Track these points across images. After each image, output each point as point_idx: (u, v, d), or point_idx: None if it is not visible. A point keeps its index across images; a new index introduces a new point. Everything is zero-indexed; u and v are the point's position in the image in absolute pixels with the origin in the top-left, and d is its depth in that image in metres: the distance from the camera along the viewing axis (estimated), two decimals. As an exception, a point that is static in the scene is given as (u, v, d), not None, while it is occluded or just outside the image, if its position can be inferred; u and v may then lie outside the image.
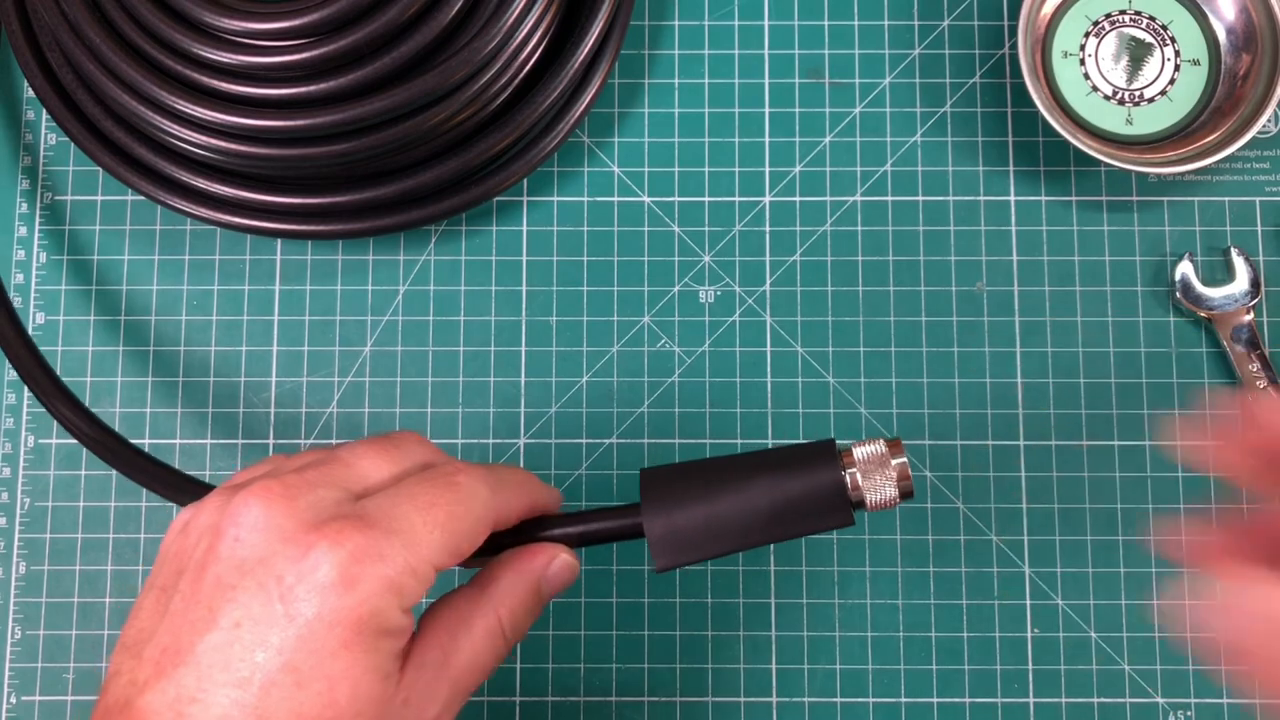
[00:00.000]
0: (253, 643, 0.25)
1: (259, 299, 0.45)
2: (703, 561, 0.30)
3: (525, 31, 0.41)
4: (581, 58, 0.43)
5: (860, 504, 0.31)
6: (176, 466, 0.40)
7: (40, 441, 0.44)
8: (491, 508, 0.29)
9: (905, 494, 0.31)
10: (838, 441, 0.32)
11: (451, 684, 0.28)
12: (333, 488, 0.28)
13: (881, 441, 0.31)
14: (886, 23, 0.46)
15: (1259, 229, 0.44)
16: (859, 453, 0.31)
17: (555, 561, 0.30)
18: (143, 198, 0.44)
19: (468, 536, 0.28)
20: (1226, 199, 0.45)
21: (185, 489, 0.38)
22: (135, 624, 0.28)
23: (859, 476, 0.31)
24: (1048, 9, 0.44)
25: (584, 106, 0.44)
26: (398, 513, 0.27)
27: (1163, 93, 0.44)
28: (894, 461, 0.31)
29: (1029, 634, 0.42)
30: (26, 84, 0.45)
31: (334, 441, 0.44)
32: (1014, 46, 0.44)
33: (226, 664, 0.25)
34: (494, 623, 0.29)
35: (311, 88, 0.39)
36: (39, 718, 0.42)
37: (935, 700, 0.42)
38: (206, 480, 0.40)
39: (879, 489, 0.31)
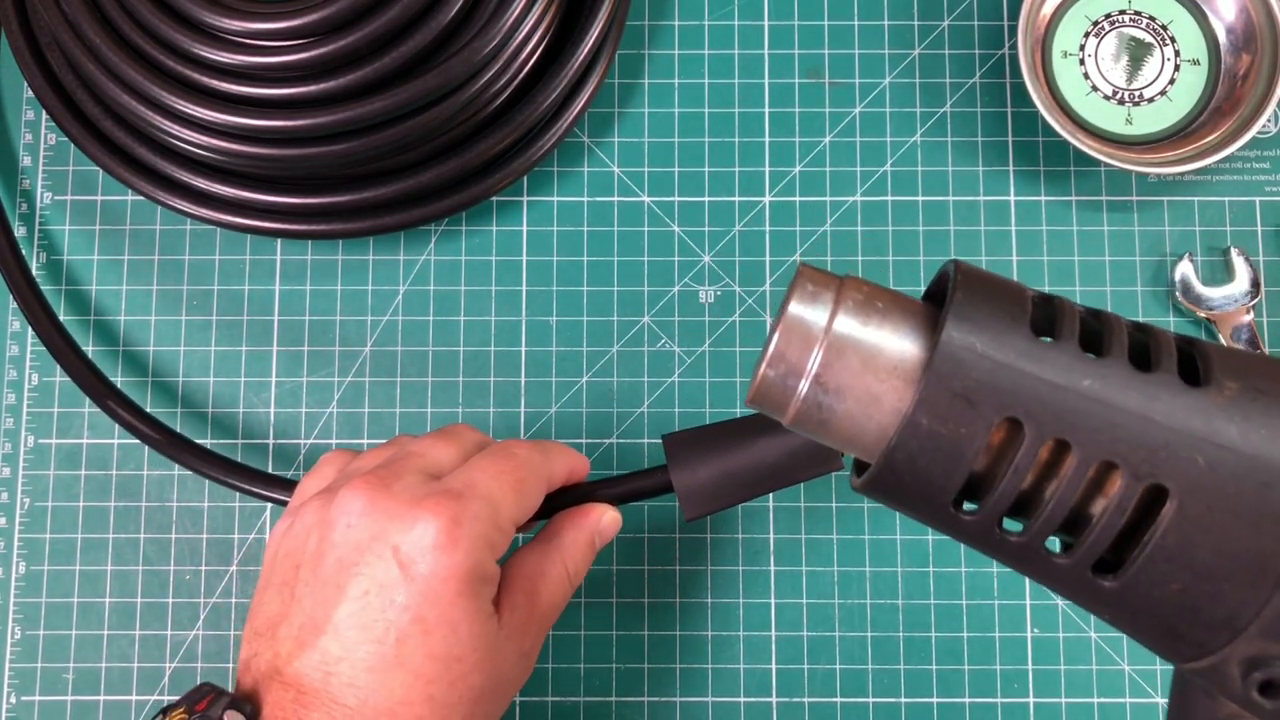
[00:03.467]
0: (382, 605, 0.30)
1: (259, 299, 0.45)
2: (724, 509, 0.35)
3: (525, 31, 0.41)
4: (581, 57, 0.43)
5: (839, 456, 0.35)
6: (176, 466, 0.40)
7: (40, 441, 0.44)
8: (546, 471, 0.35)
9: None
10: None
11: (538, 620, 0.33)
12: (416, 473, 0.33)
13: None
14: (886, 23, 0.46)
15: (1259, 229, 0.44)
16: None
17: (605, 517, 0.36)
18: (143, 198, 0.44)
19: (532, 495, 0.34)
20: (1226, 199, 0.45)
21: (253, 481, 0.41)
22: (261, 614, 0.32)
23: None
24: (1047, 9, 0.44)
25: (582, 104, 0.44)
26: (476, 483, 0.32)
27: (1162, 93, 0.44)
28: None
29: (1029, 634, 0.42)
30: (26, 84, 0.45)
31: (334, 442, 0.44)
32: (1014, 46, 0.44)
33: (363, 626, 0.30)
34: (562, 568, 0.34)
35: (312, 88, 0.39)
36: (39, 718, 0.42)
37: (935, 700, 0.42)
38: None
39: None
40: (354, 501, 0.31)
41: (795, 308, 0.22)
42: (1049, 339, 0.21)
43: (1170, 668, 0.42)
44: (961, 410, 0.20)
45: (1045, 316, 0.22)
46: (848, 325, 0.22)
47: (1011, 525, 0.22)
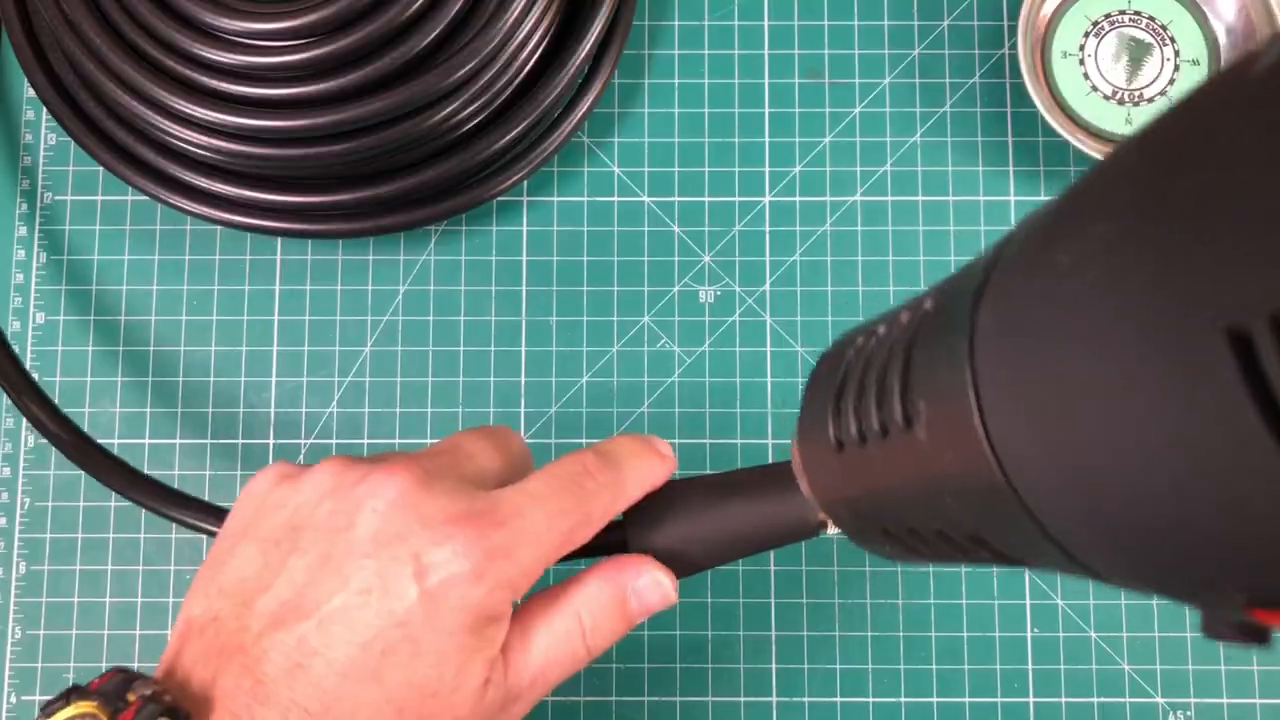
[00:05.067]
0: (381, 610, 0.27)
1: (259, 299, 0.45)
2: (683, 577, 0.31)
3: (525, 31, 0.41)
4: (581, 57, 0.43)
5: (823, 525, 0.31)
6: (176, 466, 0.40)
7: (40, 441, 0.44)
8: (612, 512, 0.30)
9: None
10: None
11: (531, 678, 0.29)
12: (463, 478, 0.29)
13: None
14: (886, 23, 0.46)
15: (1259, 229, 0.44)
16: None
17: (643, 575, 0.30)
18: (143, 198, 0.44)
19: (582, 540, 0.30)
20: (1226, 199, 0.45)
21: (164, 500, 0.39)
22: (234, 571, 0.28)
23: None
24: (1047, 9, 0.44)
25: (586, 108, 0.44)
26: (530, 517, 0.28)
27: (1162, 93, 0.44)
28: None
29: (1029, 634, 0.42)
30: (27, 84, 0.45)
31: (334, 443, 0.44)
32: (1013, 46, 0.44)
33: (352, 625, 0.27)
34: (575, 624, 0.30)
35: (312, 88, 0.39)
36: (39, 718, 0.42)
37: (935, 700, 0.42)
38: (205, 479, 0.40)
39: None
40: (388, 487, 0.28)
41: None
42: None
43: (1171, 666, 0.42)
44: None
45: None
46: None
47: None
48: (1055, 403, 0.15)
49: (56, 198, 0.46)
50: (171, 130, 0.40)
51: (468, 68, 0.40)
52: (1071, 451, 0.15)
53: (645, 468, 0.31)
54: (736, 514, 0.31)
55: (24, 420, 0.44)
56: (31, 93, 0.45)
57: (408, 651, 0.27)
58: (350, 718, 0.26)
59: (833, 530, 0.31)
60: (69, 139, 0.44)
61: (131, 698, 0.25)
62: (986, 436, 0.17)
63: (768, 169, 0.45)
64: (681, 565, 0.31)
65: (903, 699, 0.42)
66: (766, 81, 0.46)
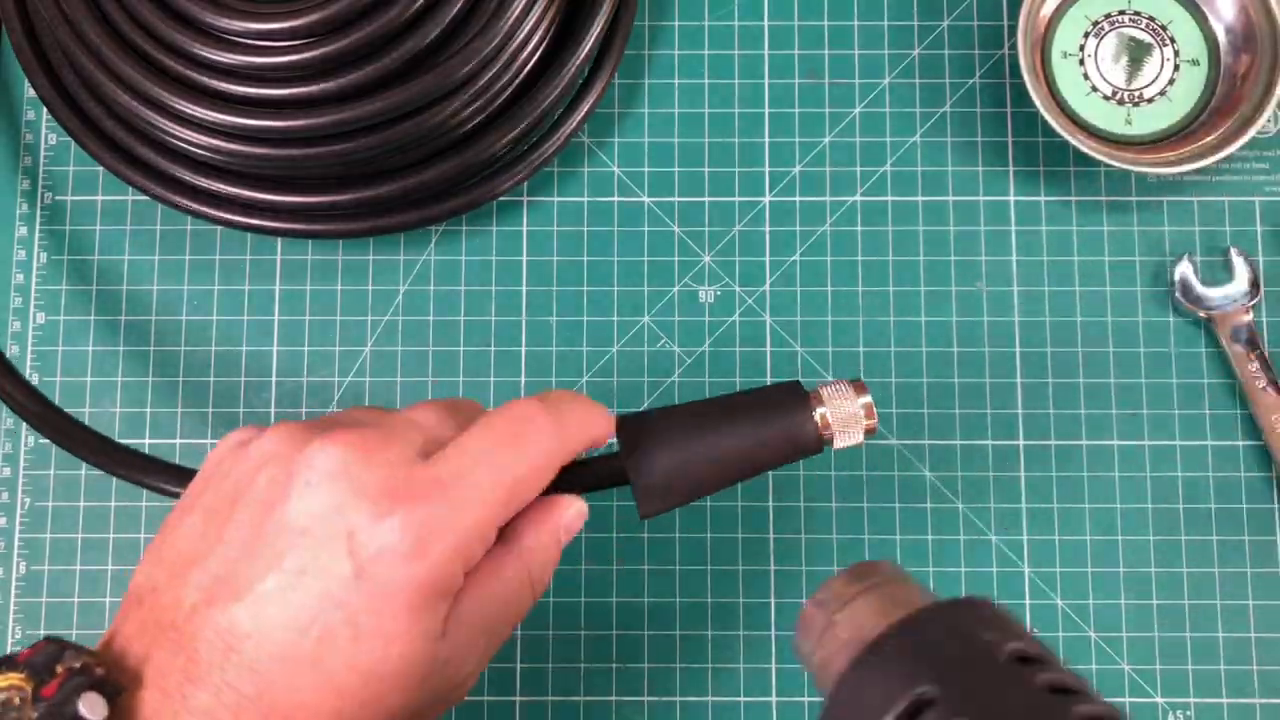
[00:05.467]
0: (317, 592, 0.26)
1: (259, 299, 0.45)
2: (686, 503, 0.31)
3: (525, 31, 0.41)
4: (581, 58, 0.43)
5: (829, 440, 0.32)
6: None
7: (40, 441, 0.44)
8: (558, 463, 0.29)
9: (870, 431, 0.32)
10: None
11: (487, 638, 0.29)
12: (408, 445, 0.28)
13: (846, 382, 0.32)
14: (886, 23, 0.46)
15: (1258, 229, 0.45)
16: (826, 392, 0.32)
17: (570, 511, 0.30)
18: (144, 197, 0.45)
19: (530, 494, 0.29)
20: (1226, 199, 0.45)
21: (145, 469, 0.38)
22: (173, 542, 0.28)
23: (829, 415, 0.32)
24: (1047, 9, 0.44)
25: (586, 109, 0.44)
26: (471, 477, 0.27)
27: (1162, 93, 0.44)
28: (860, 400, 0.32)
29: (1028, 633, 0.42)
30: (27, 84, 0.45)
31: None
32: (1013, 47, 0.44)
33: (287, 606, 0.26)
34: (524, 575, 0.29)
35: (312, 88, 0.39)
36: (39, 717, 0.42)
37: (935, 700, 0.42)
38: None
39: (847, 430, 0.32)
40: (324, 457, 0.27)
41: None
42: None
43: (1171, 667, 0.42)
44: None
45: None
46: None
47: None
48: None
49: (57, 198, 0.46)
50: (172, 130, 0.40)
51: (468, 68, 0.40)
52: None
53: (583, 412, 0.30)
54: (737, 432, 0.31)
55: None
56: (32, 93, 0.45)
57: (347, 635, 0.26)
58: (287, 701, 0.25)
59: (840, 442, 0.32)
60: (69, 139, 0.44)
61: (59, 669, 0.25)
62: None
63: (768, 169, 0.45)
64: (684, 488, 0.31)
65: (903, 699, 0.42)
66: (766, 82, 0.46)
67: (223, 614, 0.26)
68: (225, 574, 0.26)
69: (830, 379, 0.33)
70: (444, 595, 0.27)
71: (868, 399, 0.32)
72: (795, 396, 0.32)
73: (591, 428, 0.31)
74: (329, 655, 0.26)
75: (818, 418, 0.32)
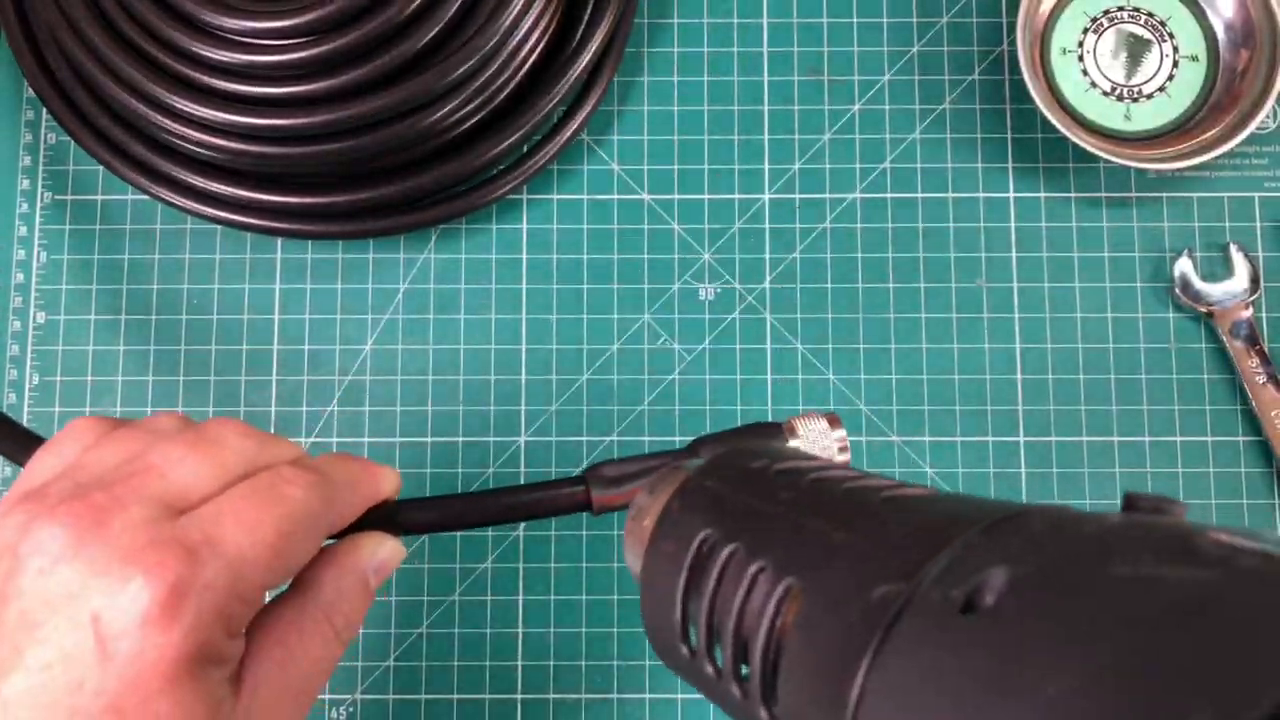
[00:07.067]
0: (68, 685, 0.23)
1: (259, 298, 0.45)
2: None
3: (525, 30, 0.41)
4: (585, 60, 0.43)
5: None
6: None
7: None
8: (325, 519, 0.28)
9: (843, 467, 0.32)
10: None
11: (293, 696, 0.27)
12: (147, 504, 0.25)
13: (821, 416, 0.32)
14: (885, 20, 0.46)
15: (1258, 224, 0.45)
16: (802, 427, 0.32)
17: (381, 551, 0.29)
18: (143, 197, 0.44)
19: (298, 553, 0.27)
20: (1225, 195, 0.45)
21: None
22: None
23: (801, 448, 0.32)
24: (1046, 6, 0.44)
25: (586, 112, 0.44)
26: (222, 534, 0.25)
27: (1161, 89, 0.44)
28: (834, 434, 0.32)
29: (1030, 630, 0.42)
30: (26, 83, 0.45)
31: (334, 442, 0.44)
32: (1013, 43, 0.44)
33: (39, 708, 0.23)
34: (326, 627, 0.27)
35: (311, 86, 0.39)
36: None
37: (936, 696, 0.42)
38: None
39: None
40: (52, 539, 0.24)
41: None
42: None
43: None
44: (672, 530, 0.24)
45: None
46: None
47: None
48: None
49: (56, 197, 0.46)
50: (171, 129, 0.40)
51: (466, 66, 0.40)
52: None
53: (344, 468, 0.29)
54: None
55: (24, 419, 0.44)
56: (32, 92, 0.45)
57: None
58: None
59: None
60: (69, 139, 0.44)
61: None
62: None
63: (767, 166, 0.45)
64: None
65: (904, 695, 0.42)
66: (766, 79, 0.46)
67: None
68: None
69: (803, 411, 0.33)
70: (210, 661, 0.25)
71: (841, 433, 0.32)
72: (771, 428, 0.32)
73: (361, 485, 0.29)
74: None
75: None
